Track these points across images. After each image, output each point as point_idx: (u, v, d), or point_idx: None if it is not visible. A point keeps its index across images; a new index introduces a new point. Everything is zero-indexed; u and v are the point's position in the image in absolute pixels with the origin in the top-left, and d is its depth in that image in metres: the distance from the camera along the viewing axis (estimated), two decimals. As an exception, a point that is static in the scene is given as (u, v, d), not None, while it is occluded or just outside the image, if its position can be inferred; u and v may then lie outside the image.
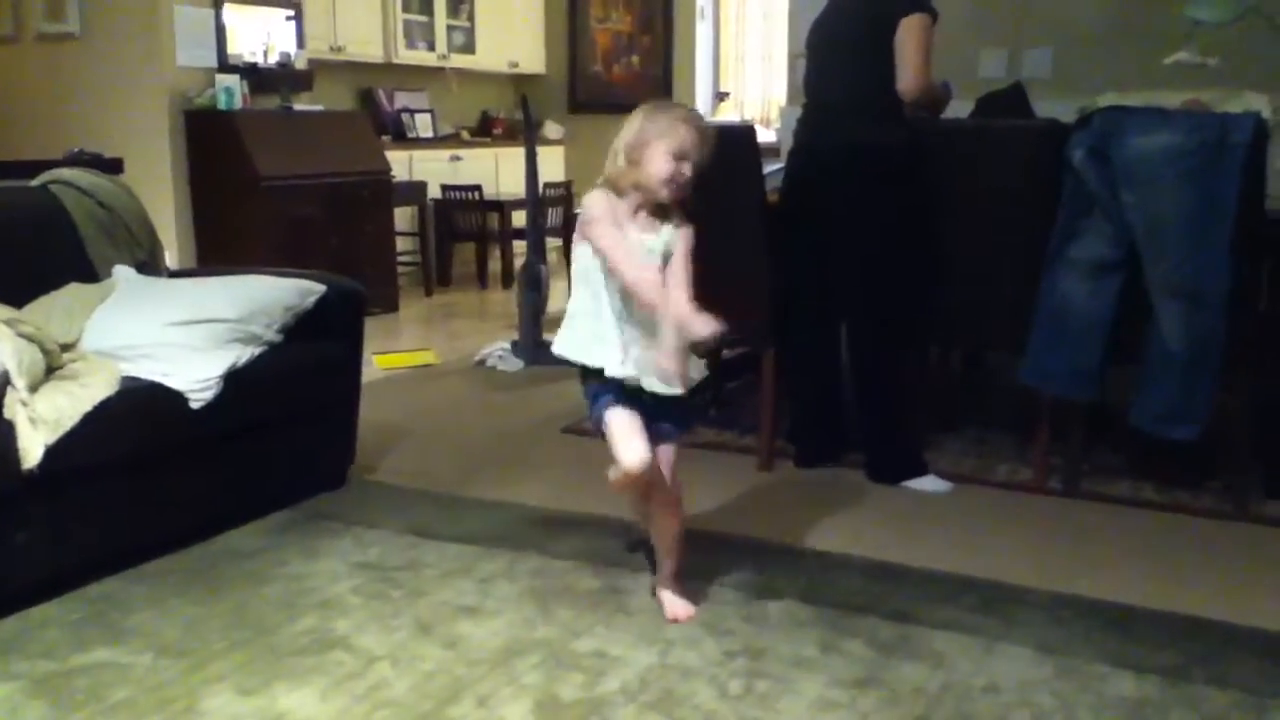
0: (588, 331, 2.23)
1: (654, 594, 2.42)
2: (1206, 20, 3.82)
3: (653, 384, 2.20)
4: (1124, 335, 2.93)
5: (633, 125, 2.23)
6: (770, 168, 3.36)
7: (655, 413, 2.24)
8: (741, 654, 2.18)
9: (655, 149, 2.19)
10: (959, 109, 3.64)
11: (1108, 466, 3.30)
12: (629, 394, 2.21)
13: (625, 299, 2.20)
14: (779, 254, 3.26)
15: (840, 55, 3.21)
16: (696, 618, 2.34)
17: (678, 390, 2.22)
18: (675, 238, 2.25)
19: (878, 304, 3.24)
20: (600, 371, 2.20)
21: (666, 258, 2.23)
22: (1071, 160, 2.92)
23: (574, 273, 2.27)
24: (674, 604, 2.36)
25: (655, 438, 2.24)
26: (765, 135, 5.35)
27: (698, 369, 2.32)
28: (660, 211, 2.25)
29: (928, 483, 3.20)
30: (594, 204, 2.23)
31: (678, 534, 2.37)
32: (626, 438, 2.19)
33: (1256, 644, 2.24)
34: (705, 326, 2.08)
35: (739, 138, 3.28)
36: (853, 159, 3.15)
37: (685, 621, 2.33)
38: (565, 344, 2.26)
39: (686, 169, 2.21)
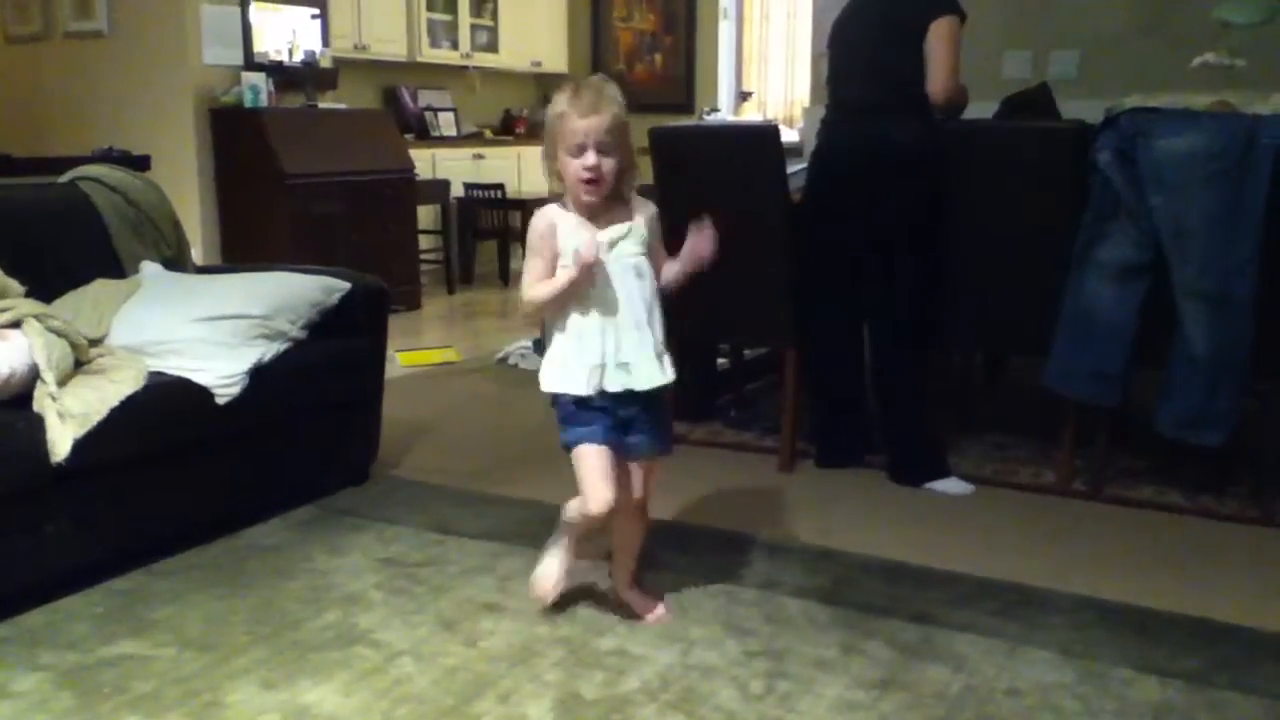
0: (557, 357, 2.15)
1: (616, 600, 2.35)
2: (1235, 21, 3.79)
3: (634, 380, 2.12)
4: (1149, 339, 2.91)
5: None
6: (793, 167, 3.35)
7: (630, 425, 2.16)
8: (762, 654, 2.18)
9: (559, 153, 2.08)
10: (984, 110, 3.63)
11: (1132, 470, 3.28)
12: (603, 409, 2.13)
13: (591, 306, 2.11)
14: (802, 253, 3.26)
15: (863, 54, 3.21)
16: (671, 615, 2.32)
17: (662, 380, 2.14)
18: (644, 222, 2.16)
19: (900, 304, 3.23)
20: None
21: (647, 246, 2.16)
22: (1098, 162, 2.90)
23: None
24: (646, 604, 2.32)
25: (628, 453, 2.18)
26: (789, 135, 5.34)
27: (667, 371, 2.18)
28: (619, 201, 2.14)
29: (950, 485, 3.19)
30: (533, 224, 2.15)
31: (643, 540, 2.32)
32: (594, 477, 2.13)
33: (1282, 650, 2.22)
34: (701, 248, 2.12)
35: (763, 137, 3.29)
36: (876, 158, 3.15)
37: (663, 619, 2.30)
38: (546, 377, 2.16)
39: (591, 158, 2.04)
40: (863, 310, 3.31)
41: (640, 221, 2.15)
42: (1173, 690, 2.05)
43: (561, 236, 2.12)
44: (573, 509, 2.22)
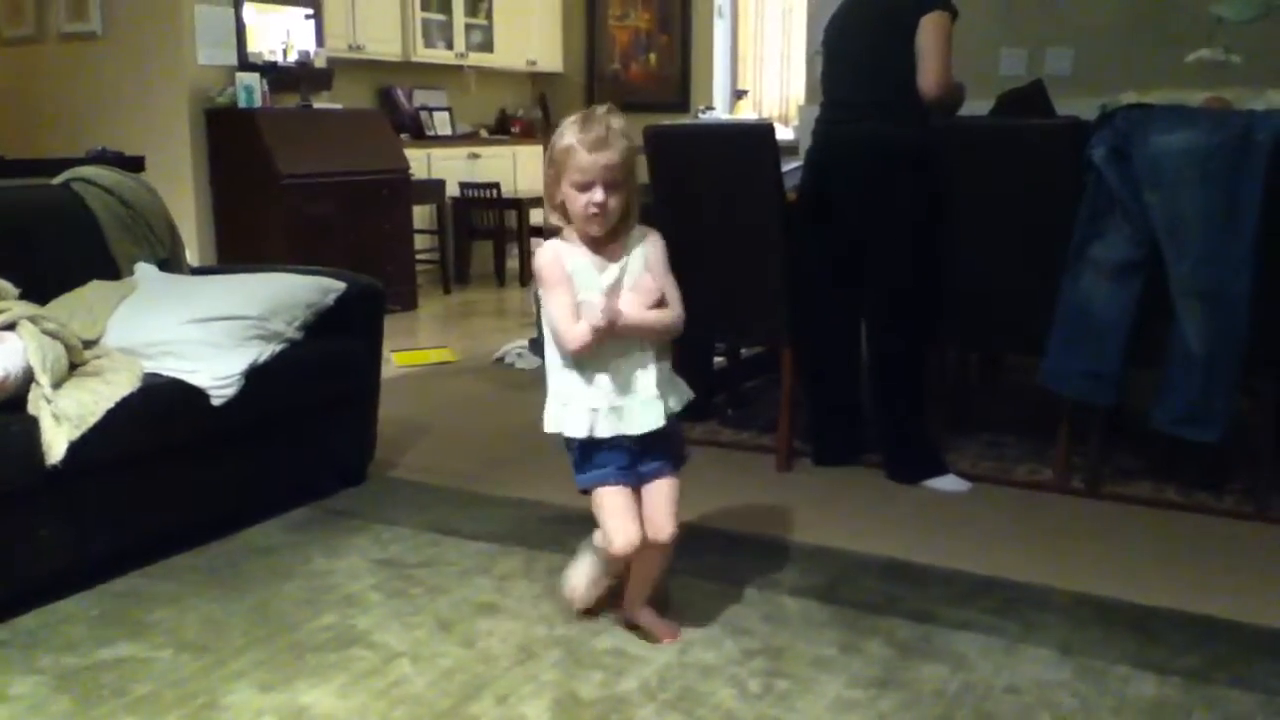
0: (559, 394, 2.13)
1: (628, 625, 2.27)
2: (1229, 18, 3.80)
3: (632, 426, 2.09)
4: (1145, 337, 2.92)
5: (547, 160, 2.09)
6: (789, 166, 3.35)
7: (642, 453, 2.14)
8: (760, 653, 2.18)
9: (563, 186, 2.05)
10: (979, 107, 3.63)
11: (1129, 467, 3.29)
12: (612, 446, 2.10)
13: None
14: (797, 252, 3.26)
15: (857, 53, 3.21)
16: (681, 637, 2.25)
17: (656, 424, 2.11)
18: (642, 256, 2.12)
19: (896, 302, 3.23)
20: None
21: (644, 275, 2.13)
22: (1093, 159, 2.90)
23: (544, 331, 2.16)
24: (662, 626, 2.24)
25: (645, 476, 2.15)
26: (784, 133, 5.35)
27: (679, 397, 2.18)
28: (623, 233, 2.11)
29: (947, 482, 3.19)
30: (541, 261, 2.09)
31: (662, 572, 2.26)
32: (616, 517, 2.11)
33: (1278, 646, 2.22)
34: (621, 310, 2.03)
35: (758, 136, 3.29)
36: (870, 156, 3.15)
37: (678, 639, 2.23)
38: (548, 416, 2.14)
39: (598, 194, 2.01)
40: (859, 308, 3.31)
41: (638, 253, 2.12)
42: (1170, 687, 2.05)
43: (571, 272, 2.09)
44: (597, 539, 2.21)
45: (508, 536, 2.78)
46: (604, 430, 2.09)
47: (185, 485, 2.66)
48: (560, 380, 2.13)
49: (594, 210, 2.02)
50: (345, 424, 3.14)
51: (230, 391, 2.66)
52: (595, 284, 2.08)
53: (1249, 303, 2.74)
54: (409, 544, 2.74)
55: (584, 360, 2.09)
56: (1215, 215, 2.74)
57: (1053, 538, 2.82)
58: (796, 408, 3.37)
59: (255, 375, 2.72)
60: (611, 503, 2.12)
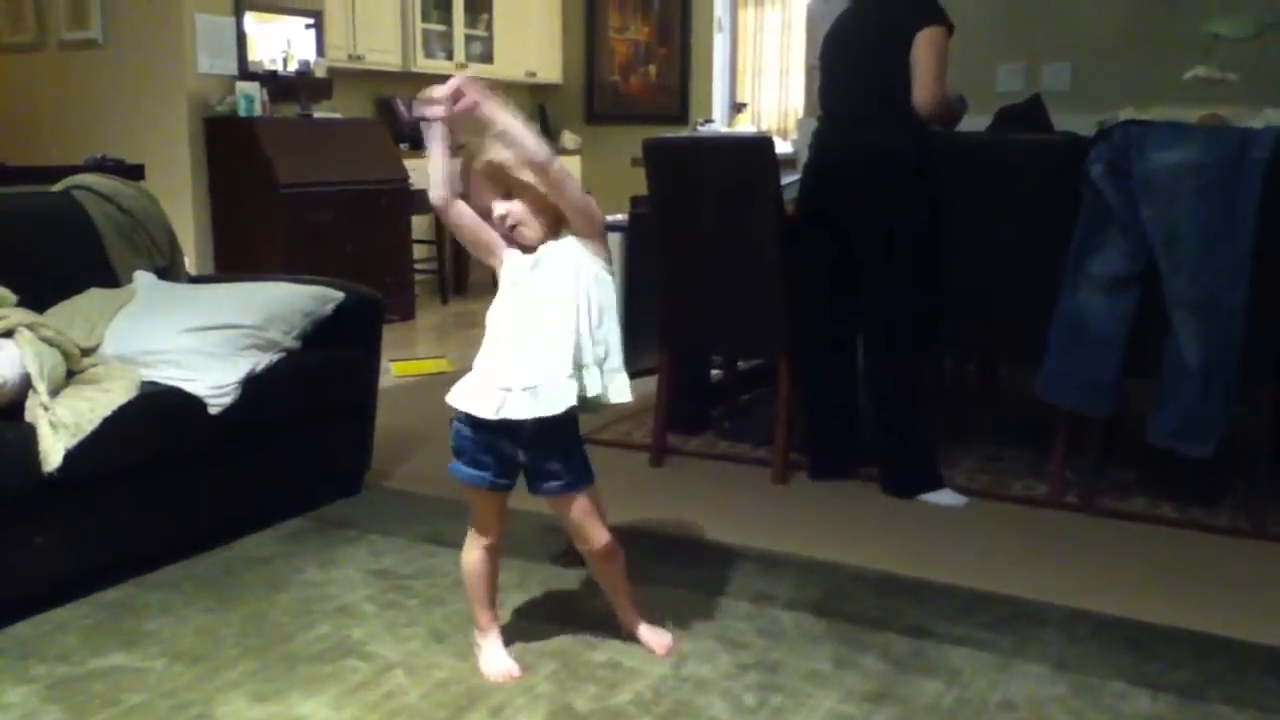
0: (474, 373, 2.07)
1: (629, 639, 2.25)
2: (1226, 35, 3.82)
3: (540, 406, 1.98)
4: (1141, 350, 2.92)
5: None
6: (788, 179, 3.36)
7: (540, 470, 2.09)
8: (755, 667, 2.18)
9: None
10: (977, 122, 3.64)
11: (1124, 482, 3.29)
12: (500, 452, 2.06)
13: (505, 324, 2.05)
14: (794, 264, 3.27)
15: (854, 66, 3.22)
16: (677, 647, 2.24)
17: (566, 403, 1.99)
18: (574, 243, 2.06)
19: (892, 315, 3.23)
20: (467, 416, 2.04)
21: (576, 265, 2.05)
22: (1090, 174, 2.91)
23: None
24: (657, 638, 2.24)
25: (551, 493, 2.11)
26: (783, 146, 5.35)
27: (600, 386, 2.05)
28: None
29: (943, 496, 3.19)
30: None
31: (623, 577, 2.23)
32: (483, 518, 2.13)
33: (1273, 662, 2.22)
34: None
35: (757, 149, 3.30)
36: (866, 169, 3.16)
37: (674, 650, 2.23)
38: (455, 391, 2.06)
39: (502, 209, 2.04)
40: (855, 321, 3.31)
41: (570, 241, 2.05)
42: (1165, 704, 2.05)
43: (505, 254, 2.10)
44: (463, 562, 2.18)
45: (503, 548, 2.76)
46: (513, 411, 1.99)
47: (181, 494, 2.66)
48: (477, 360, 2.08)
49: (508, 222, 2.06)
50: (342, 434, 3.14)
51: (227, 400, 2.66)
52: (519, 264, 2.07)
53: (1244, 315, 2.76)
54: (404, 555, 2.73)
55: (495, 341, 2.06)
56: (1211, 229, 2.76)
57: (1048, 553, 2.82)
58: (794, 421, 3.37)
59: (252, 384, 2.72)
60: (481, 503, 2.13)
